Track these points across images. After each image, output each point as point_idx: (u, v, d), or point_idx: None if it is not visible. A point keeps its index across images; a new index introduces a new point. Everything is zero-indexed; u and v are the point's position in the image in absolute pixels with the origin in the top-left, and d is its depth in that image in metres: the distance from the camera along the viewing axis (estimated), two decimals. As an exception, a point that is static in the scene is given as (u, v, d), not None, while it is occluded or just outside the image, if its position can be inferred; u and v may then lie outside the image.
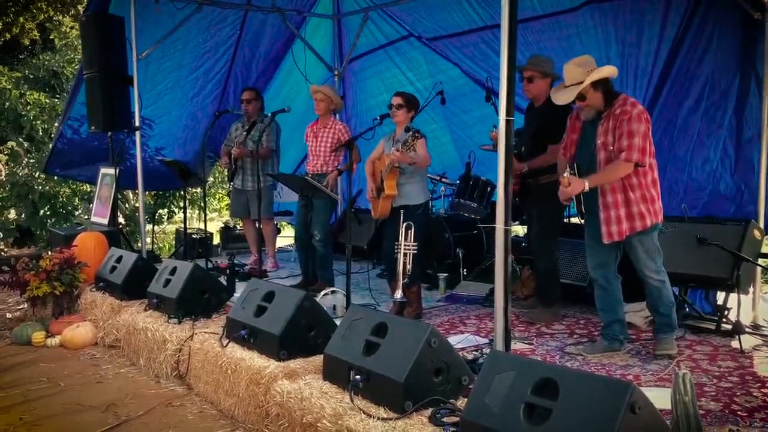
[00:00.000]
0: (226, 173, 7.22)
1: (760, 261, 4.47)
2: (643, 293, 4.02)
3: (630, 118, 3.66)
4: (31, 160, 9.81)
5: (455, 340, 4.19)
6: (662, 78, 5.18)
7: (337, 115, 6.33)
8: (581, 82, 3.73)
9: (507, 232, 3.06)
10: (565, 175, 3.70)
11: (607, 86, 3.78)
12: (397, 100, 4.84)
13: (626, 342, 4.07)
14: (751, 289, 4.57)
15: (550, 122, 4.57)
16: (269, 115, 5.71)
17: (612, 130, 3.72)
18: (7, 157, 10.11)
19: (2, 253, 8.59)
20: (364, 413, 2.89)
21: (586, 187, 3.71)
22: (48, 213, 9.65)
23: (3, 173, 9.68)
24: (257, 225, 6.19)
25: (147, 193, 9.31)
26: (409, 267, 4.62)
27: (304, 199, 5.53)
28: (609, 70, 3.78)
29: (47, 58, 12.15)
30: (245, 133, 6.30)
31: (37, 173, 9.51)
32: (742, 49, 4.71)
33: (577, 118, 4.04)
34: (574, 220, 6.23)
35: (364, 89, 8.21)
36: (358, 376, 3.06)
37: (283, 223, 9.45)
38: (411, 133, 4.45)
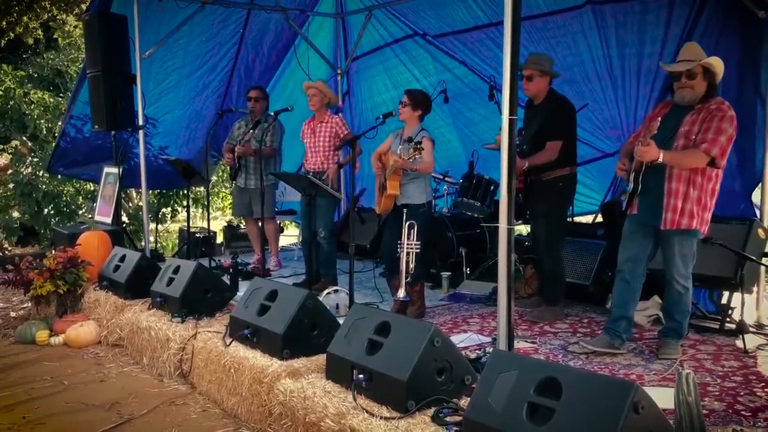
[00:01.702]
0: (229, 172, 7.20)
1: (765, 260, 4.45)
2: (648, 292, 3.99)
3: (724, 116, 3.63)
4: (35, 159, 9.82)
5: (458, 339, 4.19)
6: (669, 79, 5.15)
7: (340, 113, 6.33)
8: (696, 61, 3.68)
9: (510, 230, 3.05)
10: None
11: (714, 82, 3.74)
12: (403, 98, 4.84)
13: (627, 341, 4.06)
14: (755, 289, 4.56)
15: (551, 120, 4.57)
16: (272, 114, 5.73)
17: (701, 122, 3.68)
18: (11, 156, 10.12)
19: (6, 252, 8.63)
20: (366, 412, 2.89)
21: (660, 158, 3.61)
22: (52, 212, 9.67)
23: (9, 169, 9.68)
24: (260, 224, 6.19)
25: (150, 191, 9.32)
26: (412, 266, 4.63)
27: (307, 197, 5.54)
28: (721, 68, 3.74)
29: (51, 57, 12.16)
30: (250, 131, 6.29)
31: (41, 172, 9.53)
32: (743, 48, 4.68)
33: (663, 107, 3.97)
34: (578, 218, 6.23)
35: (369, 87, 8.20)
36: (360, 376, 3.06)
37: (286, 222, 9.45)
38: (413, 143, 4.43)
